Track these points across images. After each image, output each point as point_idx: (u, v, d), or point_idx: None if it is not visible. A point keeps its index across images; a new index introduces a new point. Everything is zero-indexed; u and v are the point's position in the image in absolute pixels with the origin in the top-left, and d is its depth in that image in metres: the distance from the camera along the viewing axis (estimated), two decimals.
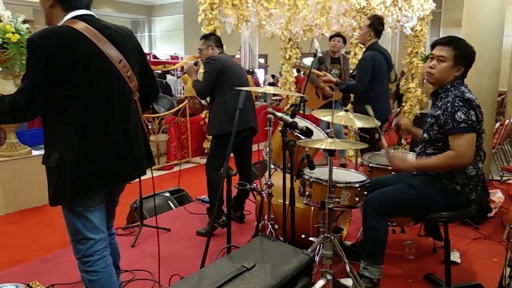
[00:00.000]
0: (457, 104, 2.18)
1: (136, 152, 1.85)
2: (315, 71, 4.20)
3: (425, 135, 2.38)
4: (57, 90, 1.64)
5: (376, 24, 3.84)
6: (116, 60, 1.75)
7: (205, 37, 3.44)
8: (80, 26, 1.67)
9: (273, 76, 14.12)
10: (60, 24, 1.72)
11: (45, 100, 1.66)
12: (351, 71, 4.67)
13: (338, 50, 5.32)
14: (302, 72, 11.07)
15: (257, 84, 13.36)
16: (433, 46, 2.35)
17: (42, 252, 3.10)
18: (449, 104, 2.21)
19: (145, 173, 1.95)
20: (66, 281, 2.56)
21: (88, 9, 1.78)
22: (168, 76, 11.09)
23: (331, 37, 5.43)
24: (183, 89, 10.28)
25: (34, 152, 4.27)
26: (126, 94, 1.82)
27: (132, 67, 1.83)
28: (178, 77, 11.19)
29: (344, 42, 5.36)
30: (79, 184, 1.70)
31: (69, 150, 1.68)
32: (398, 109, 7.30)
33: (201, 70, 3.75)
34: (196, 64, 3.39)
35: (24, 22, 3.92)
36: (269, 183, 2.67)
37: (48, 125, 1.74)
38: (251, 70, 13.86)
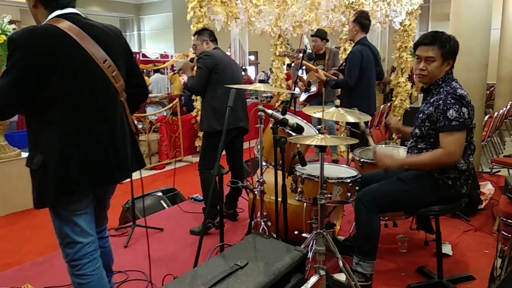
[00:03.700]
0: (449, 102, 2.18)
1: (121, 154, 1.81)
2: (309, 64, 4.20)
3: (416, 130, 2.39)
4: (39, 91, 1.61)
5: (361, 18, 3.85)
6: (100, 60, 1.71)
7: (199, 33, 3.41)
8: (64, 25, 1.64)
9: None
10: (44, 22, 1.69)
11: (24, 100, 1.63)
12: (338, 66, 4.67)
13: (319, 48, 5.36)
14: (292, 65, 11.07)
15: (249, 82, 13.34)
16: (416, 46, 2.33)
17: (34, 255, 3.07)
18: (441, 102, 2.21)
19: (129, 176, 1.90)
20: (58, 284, 2.54)
21: (72, 7, 1.75)
22: (158, 75, 11.04)
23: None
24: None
25: (24, 154, 4.23)
26: (111, 95, 1.79)
27: (118, 67, 1.79)
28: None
29: (325, 40, 5.40)
30: (61, 187, 1.66)
31: (52, 152, 1.65)
32: (389, 104, 7.33)
33: None
34: (191, 60, 3.36)
35: (11, 22, 3.87)
36: (261, 180, 2.67)
37: (31, 127, 1.71)
38: (243, 68, 13.81)
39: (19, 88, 1.59)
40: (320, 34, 5.42)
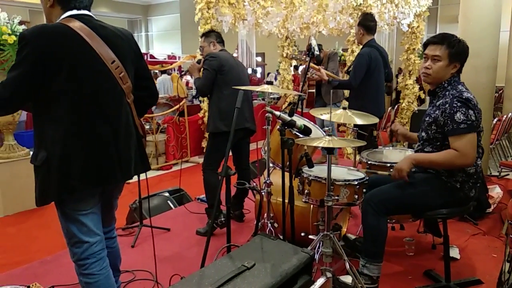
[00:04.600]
0: (455, 105, 2.18)
1: (124, 155, 1.81)
2: (313, 65, 4.20)
3: (423, 133, 2.39)
4: (45, 87, 1.62)
5: (365, 21, 3.84)
6: (109, 60, 1.72)
7: (206, 34, 3.44)
8: (75, 24, 1.66)
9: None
10: (57, 22, 1.71)
11: (29, 95, 1.64)
12: (347, 68, 4.67)
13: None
14: (300, 70, 11.08)
15: (258, 83, 13.37)
16: (425, 45, 2.34)
17: (42, 254, 3.10)
18: (447, 105, 2.20)
19: (131, 177, 1.89)
20: (66, 282, 2.56)
21: (88, 10, 1.77)
22: (165, 76, 11.07)
23: None
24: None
25: None
26: (117, 95, 1.79)
27: (126, 69, 1.80)
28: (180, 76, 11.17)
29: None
30: (63, 184, 1.67)
31: (55, 149, 1.66)
32: (396, 106, 7.30)
33: None
34: (198, 62, 3.38)
35: (21, 23, 3.91)
36: (268, 181, 2.67)
37: (37, 124, 1.72)
38: (253, 69, 13.80)
39: (25, 83, 1.60)
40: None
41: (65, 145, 1.66)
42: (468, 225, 3.39)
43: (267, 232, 2.71)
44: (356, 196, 2.40)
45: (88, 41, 1.67)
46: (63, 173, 1.66)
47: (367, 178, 2.50)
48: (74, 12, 1.72)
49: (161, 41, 18.84)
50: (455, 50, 2.24)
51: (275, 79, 13.15)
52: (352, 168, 2.78)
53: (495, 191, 3.89)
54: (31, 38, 1.59)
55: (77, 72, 1.66)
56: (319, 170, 2.55)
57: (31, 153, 4.06)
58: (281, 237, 2.54)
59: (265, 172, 2.73)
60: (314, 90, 5.20)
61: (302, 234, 2.71)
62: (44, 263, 2.91)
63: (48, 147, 1.67)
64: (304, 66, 4.89)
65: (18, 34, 3.74)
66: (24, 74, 1.59)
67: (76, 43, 1.65)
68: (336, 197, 2.33)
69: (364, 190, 2.44)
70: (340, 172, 2.63)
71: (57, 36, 1.63)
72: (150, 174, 2.07)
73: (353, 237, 3.02)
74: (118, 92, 1.79)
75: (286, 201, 2.42)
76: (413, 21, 6.67)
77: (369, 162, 2.86)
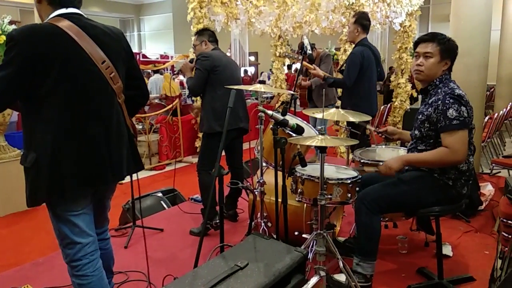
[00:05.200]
0: (448, 102, 2.19)
1: (115, 156, 1.79)
2: (307, 64, 4.20)
3: (416, 131, 2.40)
4: (34, 88, 1.61)
5: (362, 19, 3.86)
6: (99, 60, 1.71)
7: (199, 33, 3.42)
8: (64, 24, 1.64)
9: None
10: (45, 21, 1.69)
11: (16, 96, 1.63)
12: (339, 67, 4.67)
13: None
14: (293, 69, 11.11)
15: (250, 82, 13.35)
16: (416, 44, 2.37)
17: (34, 256, 3.07)
18: (439, 102, 2.22)
19: (122, 178, 1.88)
20: (58, 284, 2.54)
21: (77, 7, 1.75)
22: (157, 75, 11.03)
23: None
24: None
25: None
26: (108, 96, 1.78)
27: (117, 68, 1.79)
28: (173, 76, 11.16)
29: (313, 49, 5.31)
30: (53, 186, 1.65)
31: (45, 150, 1.64)
32: (388, 105, 7.33)
33: None
34: (191, 61, 3.36)
35: (11, 23, 3.87)
36: (261, 181, 2.67)
37: (26, 124, 1.71)
38: (244, 69, 13.78)
39: (12, 84, 1.58)
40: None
41: (55, 146, 1.65)
42: (460, 222, 3.42)
43: (261, 232, 2.70)
44: (349, 195, 2.40)
45: (77, 41, 1.65)
46: (53, 175, 1.65)
47: (360, 176, 2.51)
48: (63, 11, 1.70)
49: (153, 40, 18.78)
50: (446, 47, 2.28)
51: (269, 78, 13.15)
52: (344, 166, 2.79)
53: (487, 189, 3.92)
54: (19, 39, 1.58)
55: (67, 72, 1.64)
56: (312, 169, 2.55)
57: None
58: (275, 236, 2.54)
59: (258, 172, 2.72)
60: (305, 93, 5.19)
61: (296, 233, 2.71)
62: (36, 265, 2.88)
63: (38, 148, 1.65)
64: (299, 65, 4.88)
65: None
66: (12, 74, 1.57)
67: (65, 43, 1.63)
68: (329, 196, 2.34)
69: (357, 188, 2.45)
70: (333, 171, 2.63)
71: (46, 36, 1.61)
72: (143, 174, 2.06)
73: (342, 239, 3.02)
74: (109, 93, 1.78)
75: (280, 200, 2.42)
76: (405, 20, 6.70)
77: (362, 161, 2.86)
